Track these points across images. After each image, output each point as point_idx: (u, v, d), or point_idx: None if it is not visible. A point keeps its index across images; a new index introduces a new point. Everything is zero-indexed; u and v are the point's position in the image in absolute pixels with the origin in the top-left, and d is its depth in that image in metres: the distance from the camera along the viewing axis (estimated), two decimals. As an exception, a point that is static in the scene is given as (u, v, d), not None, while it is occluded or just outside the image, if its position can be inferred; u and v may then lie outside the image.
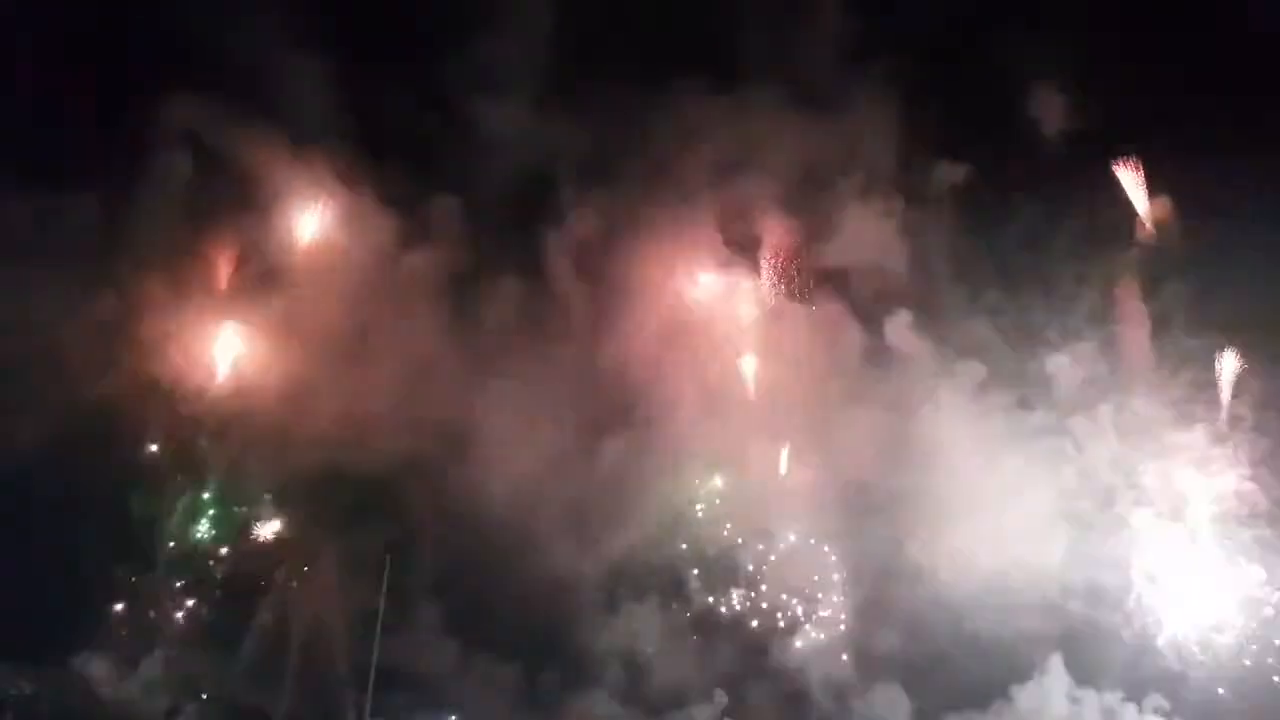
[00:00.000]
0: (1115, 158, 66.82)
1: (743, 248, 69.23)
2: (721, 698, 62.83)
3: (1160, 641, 60.03)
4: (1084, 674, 60.00)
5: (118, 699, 58.37)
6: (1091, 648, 60.02)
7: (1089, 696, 59.72)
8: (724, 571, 65.51)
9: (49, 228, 61.17)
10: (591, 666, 62.46)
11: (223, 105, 63.70)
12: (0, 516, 56.30)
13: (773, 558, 65.52)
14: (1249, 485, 60.20)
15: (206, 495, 63.92)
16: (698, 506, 66.96)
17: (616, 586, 64.07)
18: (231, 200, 65.24)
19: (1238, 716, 58.18)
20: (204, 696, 59.65)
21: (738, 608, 65.03)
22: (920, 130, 67.63)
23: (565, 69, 68.18)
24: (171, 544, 62.84)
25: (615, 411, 65.81)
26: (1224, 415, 62.23)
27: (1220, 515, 60.36)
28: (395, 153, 67.38)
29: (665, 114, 67.53)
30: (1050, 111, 67.32)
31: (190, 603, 62.32)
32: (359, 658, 58.47)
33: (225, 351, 64.75)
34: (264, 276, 66.24)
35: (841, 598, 64.20)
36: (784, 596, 64.93)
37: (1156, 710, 58.84)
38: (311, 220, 66.89)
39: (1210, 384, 62.58)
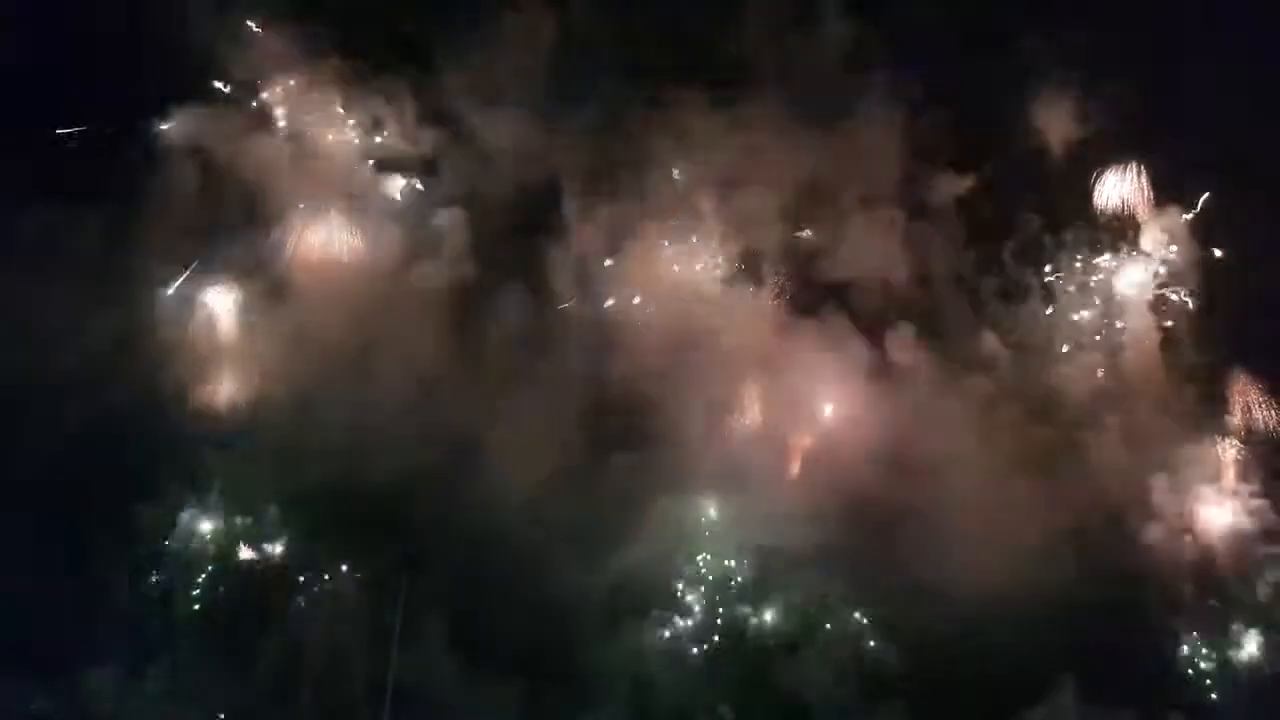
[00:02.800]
0: (1121, 167, 66.36)
1: (746, 262, 68.83)
2: (728, 715, 62.44)
3: (1176, 660, 59.34)
4: (1097, 694, 59.01)
5: (127, 714, 58.48)
6: (1104, 666, 59.05)
7: (1102, 716, 58.80)
8: (729, 588, 64.78)
9: (55, 239, 61.81)
10: (598, 684, 61.74)
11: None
12: (8, 531, 56.44)
13: (778, 574, 64.90)
14: (1261, 501, 59.73)
15: (215, 508, 63.64)
16: (703, 523, 66.32)
17: (622, 603, 63.35)
18: (238, 212, 65.73)
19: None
20: (221, 717, 59.54)
21: (743, 624, 64.36)
22: (924, 141, 67.71)
23: (565, 80, 68.11)
24: (179, 558, 62.89)
25: (620, 428, 65.49)
26: (1236, 429, 61.74)
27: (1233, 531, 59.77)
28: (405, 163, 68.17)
29: (667, 127, 67.38)
30: (1055, 121, 66.82)
31: (199, 618, 62.35)
32: (373, 674, 58.58)
33: (233, 364, 65.05)
34: (271, 288, 66.28)
35: (847, 615, 63.38)
36: (789, 613, 64.31)
37: (1174, 729, 58.24)
38: (319, 232, 67.01)
39: (1221, 397, 62.11)
